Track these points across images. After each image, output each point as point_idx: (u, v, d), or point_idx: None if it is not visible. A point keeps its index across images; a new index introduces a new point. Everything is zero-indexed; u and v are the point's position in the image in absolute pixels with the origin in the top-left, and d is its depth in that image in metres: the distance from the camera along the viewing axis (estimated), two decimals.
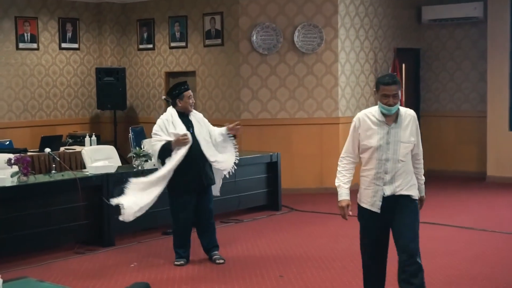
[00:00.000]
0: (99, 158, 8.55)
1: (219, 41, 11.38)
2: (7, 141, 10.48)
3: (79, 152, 9.31)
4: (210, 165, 7.01)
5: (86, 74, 12.65)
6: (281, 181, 9.70)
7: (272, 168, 9.64)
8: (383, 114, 4.89)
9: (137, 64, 12.72)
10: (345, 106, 11.09)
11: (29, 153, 9.42)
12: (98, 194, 7.70)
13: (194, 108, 7.20)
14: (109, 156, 8.87)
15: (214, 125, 7.27)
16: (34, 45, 11.87)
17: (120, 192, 7.06)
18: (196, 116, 7.06)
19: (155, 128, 6.90)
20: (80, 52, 12.54)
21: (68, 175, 7.77)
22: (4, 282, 3.63)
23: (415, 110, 5.22)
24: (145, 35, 12.51)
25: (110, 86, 12.10)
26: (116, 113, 12.32)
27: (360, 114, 5.02)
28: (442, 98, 12.71)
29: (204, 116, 7.32)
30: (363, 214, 5.01)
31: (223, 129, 7.11)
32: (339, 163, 5.11)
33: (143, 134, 11.42)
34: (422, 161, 5.15)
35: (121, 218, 6.79)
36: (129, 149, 10.39)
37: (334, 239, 7.96)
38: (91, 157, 8.60)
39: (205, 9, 11.54)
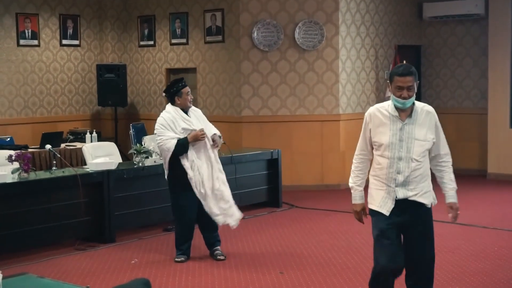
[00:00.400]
0: (100, 155, 8.56)
1: (220, 37, 11.37)
2: (8, 137, 10.49)
3: (80, 149, 9.32)
4: None
5: (87, 71, 12.65)
6: (281, 178, 9.70)
7: (273, 165, 9.64)
8: (397, 108, 4.53)
9: (138, 60, 12.71)
10: (345, 103, 11.08)
11: (30, 150, 9.42)
12: (99, 191, 7.71)
13: (194, 105, 7.21)
14: (110, 153, 8.87)
15: (214, 122, 7.26)
16: (35, 42, 11.87)
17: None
18: (195, 113, 7.06)
19: (159, 128, 6.86)
20: (81, 48, 12.54)
21: (69, 171, 7.77)
22: (4, 278, 3.63)
23: None
24: (146, 31, 12.50)
25: (111, 83, 12.10)
26: (117, 109, 12.32)
27: (372, 109, 4.67)
28: (443, 95, 12.70)
29: (205, 112, 7.34)
30: (375, 215, 4.63)
31: (211, 134, 7.05)
32: (353, 161, 4.78)
33: (144, 130, 11.42)
34: (450, 163, 4.70)
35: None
36: (130, 145, 10.39)
37: (335, 235, 7.96)
38: (92, 153, 8.60)
39: (206, 5, 11.53)
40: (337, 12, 10.90)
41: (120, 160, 8.91)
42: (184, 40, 11.94)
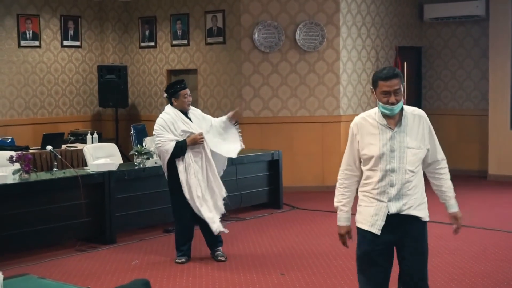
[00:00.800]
0: (101, 156, 8.56)
1: (220, 39, 11.37)
2: (9, 138, 10.49)
3: (81, 150, 9.33)
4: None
5: (88, 72, 12.65)
6: (282, 179, 9.70)
7: (274, 166, 9.65)
8: (385, 115, 4.11)
9: (139, 61, 12.72)
10: (346, 105, 11.09)
11: (31, 151, 9.43)
12: (100, 192, 7.71)
13: (194, 106, 7.23)
14: (111, 154, 8.88)
15: None
16: (36, 43, 11.88)
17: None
18: (195, 114, 7.06)
19: (158, 129, 6.86)
20: (82, 49, 12.54)
21: (70, 172, 7.78)
22: (5, 279, 3.64)
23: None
24: (147, 32, 12.51)
25: (112, 84, 12.11)
26: (118, 110, 12.33)
27: (357, 119, 4.22)
28: (443, 96, 12.70)
29: (206, 114, 7.33)
30: (363, 237, 4.21)
31: (223, 118, 7.14)
32: (338, 177, 4.33)
33: (144, 131, 11.43)
34: (447, 169, 4.30)
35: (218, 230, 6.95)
36: (131, 146, 10.40)
37: (335, 237, 7.89)
38: (93, 154, 8.61)
39: (207, 6, 11.54)
40: (338, 13, 10.90)
41: (121, 161, 8.91)
42: (185, 41, 11.95)
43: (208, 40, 11.58)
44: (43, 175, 7.74)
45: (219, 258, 7.02)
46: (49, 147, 8.23)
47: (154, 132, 6.94)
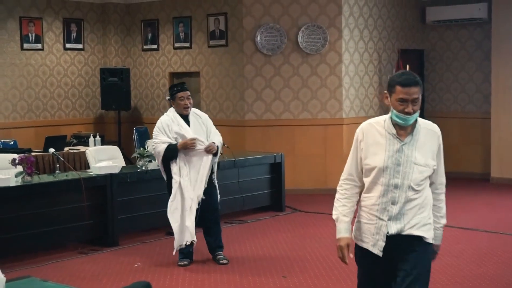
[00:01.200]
0: (103, 159, 8.57)
1: (223, 41, 11.39)
2: (12, 141, 10.51)
3: (83, 152, 9.34)
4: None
5: (90, 75, 12.67)
6: (284, 182, 9.70)
7: (276, 168, 9.64)
8: (395, 125, 3.76)
9: (142, 64, 12.73)
10: (349, 107, 11.09)
11: (33, 153, 9.43)
12: (102, 194, 7.72)
13: (198, 109, 7.21)
14: (113, 157, 8.88)
15: (217, 125, 7.23)
16: (39, 46, 11.90)
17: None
18: (197, 118, 6.99)
19: (155, 131, 6.91)
20: (84, 52, 12.56)
21: (72, 175, 7.79)
22: (7, 281, 3.64)
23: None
24: (150, 35, 12.52)
25: (115, 87, 12.12)
26: (120, 113, 12.34)
27: (365, 124, 3.87)
28: (446, 99, 12.70)
29: (209, 116, 7.29)
30: (363, 256, 3.89)
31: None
32: (338, 188, 3.97)
33: (147, 134, 11.43)
34: (443, 196, 3.95)
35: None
36: (133, 149, 10.40)
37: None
38: (95, 157, 8.62)
39: (209, 9, 11.55)
40: (340, 16, 10.91)
41: (124, 164, 8.92)
42: (187, 44, 11.96)
43: (210, 43, 11.59)
44: (46, 178, 7.75)
45: (221, 261, 7.02)
46: (51, 150, 8.24)
47: (153, 134, 6.99)
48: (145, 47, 12.63)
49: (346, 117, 11.01)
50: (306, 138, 11.00)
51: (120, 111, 12.29)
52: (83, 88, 12.61)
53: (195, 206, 6.81)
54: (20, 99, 11.71)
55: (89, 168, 8.50)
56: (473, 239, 7.87)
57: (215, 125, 7.22)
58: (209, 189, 6.94)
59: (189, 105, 6.90)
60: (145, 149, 8.35)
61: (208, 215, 6.97)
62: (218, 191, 7.14)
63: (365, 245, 3.84)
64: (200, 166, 6.82)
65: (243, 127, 11.05)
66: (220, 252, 7.10)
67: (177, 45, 12.12)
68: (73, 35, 12.37)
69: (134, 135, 11.25)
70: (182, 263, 6.96)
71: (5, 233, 6.97)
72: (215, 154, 6.92)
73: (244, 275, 6.63)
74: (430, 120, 4.01)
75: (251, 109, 11.05)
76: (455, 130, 12.48)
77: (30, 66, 11.82)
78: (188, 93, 6.94)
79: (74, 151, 10.08)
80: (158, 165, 7.12)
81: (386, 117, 3.82)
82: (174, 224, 6.85)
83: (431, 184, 3.86)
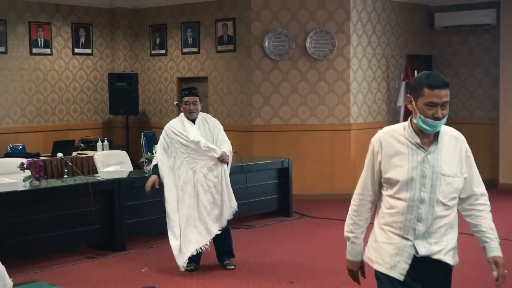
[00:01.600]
0: (111, 163, 8.58)
1: (231, 47, 11.40)
2: (20, 145, 10.55)
3: (91, 157, 9.35)
4: None
5: (98, 79, 12.70)
6: (292, 187, 9.69)
7: (284, 174, 9.64)
8: (419, 132, 3.37)
9: (150, 69, 12.76)
10: (357, 113, 11.08)
11: (41, 158, 9.47)
12: (110, 199, 7.73)
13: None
14: (121, 161, 8.90)
15: (225, 131, 7.21)
16: (48, 50, 11.94)
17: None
18: (205, 124, 6.98)
19: (160, 138, 7.00)
20: (93, 57, 12.60)
21: (80, 179, 7.81)
22: (15, 285, 3.65)
23: None
24: (158, 40, 12.55)
25: (123, 91, 12.15)
26: (129, 118, 12.36)
27: (381, 134, 3.47)
28: (454, 105, 12.67)
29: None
30: (380, 280, 3.51)
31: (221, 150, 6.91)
32: (352, 202, 3.62)
33: (155, 139, 11.44)
34: (488, 206, 3.70)
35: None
36: (141, 154, 10.42)
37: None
38: (103, 162, 8.63)
39: (217, 15, 11.57)
40: (348, 22, 10.91)
41: (131, 169, 8.93)
42: (195, 49, 11.98)
43: (218, 48, 11.60)
44: (54, 182, 7.76)
45: (228, 267, 7.00)
46: (59, 154, 8.26)
47: None
48: (153, 52, 12.66)
49: (354, 122, 10.99)
50: (313, 144, 10.99)
51: (128, 115, 12.32)
52: (92, 92, 12.65)
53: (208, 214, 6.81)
54: (28, 103, 11.75)
55: (97, 172, 8.52)
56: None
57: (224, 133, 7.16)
58: None
59: (194, 110, 6.88)
60: (152, 154, 8.35)
61: (219, 234, 6.96)
62: None
63: (381, 268, 3.45)
64: (221, 178, 6.82)
65: (251, 132, 11.06)
66: (227, 258, 7.07)
67: (185, 50, 12.14)
68: (82, 40, 12.41)
69: (142, 139, 11.26)
70: (189, 268, 6.94)
71: (13, 237, 6.98)
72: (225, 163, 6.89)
73: (251, 281, 6.62)
74: None
75: (259, 114, 11.06)
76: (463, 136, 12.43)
77: (39, 70, 11.86)
78: (195, 98, 6.92)
79: (82, 155, 10.10)
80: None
81: (405, 124, 3.45)
82: (174, 242, 6.83)
83: (469, 197, 3.57)
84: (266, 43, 10.93)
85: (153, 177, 6.88)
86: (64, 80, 12.23)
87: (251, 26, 11.04)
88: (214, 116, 9.52)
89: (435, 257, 3.41)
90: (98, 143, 10.54)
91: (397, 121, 11.55)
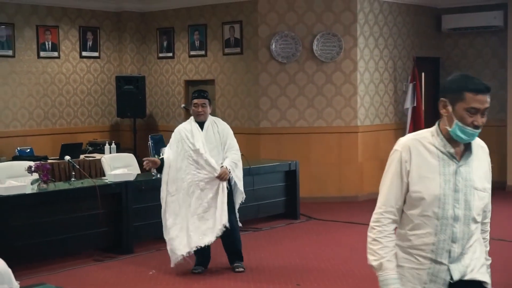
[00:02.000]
0: (119, 166, 8.61)
1: (238, 49, 11.41)
2: (28, 148, 10.57)
3: (99, 160, 9.38)
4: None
5: (106, 82, 12.73)
6: (299, 190, 9.69)
7: (291, 176, 9.64)
8: (451, 141, 3.01)
9: (157, 72, 12.78)
10: (364, 115, 11.07)
11: (49, 161, 9.49)
12: (117, 202, 7.75)
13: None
14: (128, 164, 8.91)
15: (233, 133, 7.19)
16: (55, 54, 11.97)
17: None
18: (213, 127, 6.98)
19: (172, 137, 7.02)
20: (100, 60, 12.63)
21: (88, 182, 7.82)
22: None
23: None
24: (165, 43, 12.57)
25: (130, 94, 12.17)
26: (136, 121, 12.38)
27: (409, 140, 3.06)
28: None
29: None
30: None
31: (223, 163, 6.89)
32: (373, 224, 3.11)
33: (162, 142, 11.44)
34: (489, 225, 3.42)
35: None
36: (148, 157, 10.42)
37: (353, 248, 7.93)
38: (111, 164, 8.65)
39: (224, 17, 11.58)
40: (355, 24, 10.90)
41: (139, 172, 8.94)
42: (202, 52, 11.99)
43: (225, 51, 11.62)
44: (61, 185, 7.78)
45: (237, 269, 7.00)
46: (67, 157, 8.28)
47: None
48: (160, 55, 12.68)
49: (361, 125, 10.99)
50: (321, 146, 10.99)
51: (135, 118, 12.34)
52: (99, 96, 12.67)
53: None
54: (36, 107, 11.78)
55: (104, 175, 8.54)
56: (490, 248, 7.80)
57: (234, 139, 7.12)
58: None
59: (202, 112, 6.90)
60: (160, 156, 8.36)
61: (228, 238, 6.98)
62: (238, 218, 7.12)
63: None
64: (217, 194, 6.78)
65: (258, 135, 11.06)
66: (236, 260, 7.08)
67: (192, 53, 12.16)
68: (89, 43, 12.44)
69: (149, 142, 11.26)
70: (197, 271, 6.96)
71: (20, 240, 7.00)
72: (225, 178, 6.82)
73: (258, 283, 6.62)
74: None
75: (266, 117, 11.06)
76: None
77: (47, 74, 11.90)
78: (204, 100, 6.93)
79: (90, 158, 10.13)
80: None
81: (432, 131, 3.07)
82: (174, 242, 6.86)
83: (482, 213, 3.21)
84: (273, 46, 10.94)
85: (157, 160, 6.87)
86: (72, 83, 12.26)
87: (258, 29, 11.05)
88: (221, 119, 9.53)
89: (468, 277, 3.05)
90: (105, 146, 10.57)
91: (404, 124, 11.55)
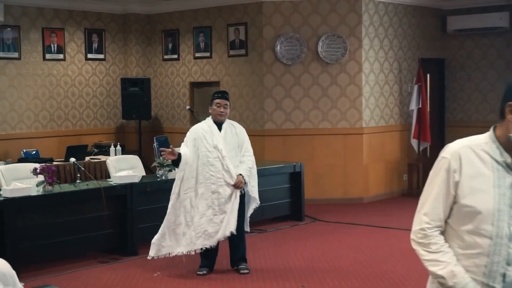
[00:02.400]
0: (124, 168, 8.62)
1: (243, 51, 11.42)
2: (34, 150, 10.60)
3: (104, 162, 9.39)
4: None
5: (111, 85, 12.76)
6: (304, 191, 9.69)
7: (296, 178, 9.64)
8: (507, 150, 2.68)
9: (162, 74, 12.80)
10: (369, 117, 11.06)
11: (54, 163, 9.51)
12: (122, 204, 7.76)
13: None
14: (134, 166, 8.93)
15: None
16: (61, 56, 12.01)
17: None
18: (231, 129, 7.01)
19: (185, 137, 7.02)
20: (105, 62, 12.66)
21: (93, 184, 7.84)
22: None
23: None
24: (170, 45, 12.59)
25: (135, 96, 12.19)
26: (141, 123, 12.40)
27: (460, 147, 2.71)
28: (467, 108, 12.62)
29: None
30: None
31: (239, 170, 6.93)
32: (422, 240, 2.71)
33: (167, 143, 11.44)
34: None
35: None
36: (154, 159, 10.43)
37: (357, 250, 7.93)
38: (116, 166, 8.67)
39: (229, 19, 11.60)
40: (360, 26, 10.90)
41: (144, 173, 8.96)
42: (207, 54, 12.00)
43: (230, 53, 11.63)
44: (67, 187, 7.80)
45: (242, 271, 7.00)
46: (72, 159, 8.30)
47: None
48: (165, 57, 12.70)
49: (366, 126, 10.98)
50: (325, 148, 10.99)
51: (140, 120, 12.36)
52: (104, 98, 12.70)
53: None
54: (42, 109, 11.81)
55: (109, 177, 8.55)
56: None
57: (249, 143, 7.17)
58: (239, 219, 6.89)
59: (224, 113, 6.96)
60: (165, 158, 8.38)
61: (232, 242, 6.98)
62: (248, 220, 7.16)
63: None
64: (231, 203, 6.80)
65: (263, 136, 11.06)
66: (241, 262, 7.08)
67: (197, 54, 12.17)
68: (95, 45, 12.47)
69: (155, 144, 11.28)
70: (201, 273, 6.97)
71: (25, 242, 7.02)
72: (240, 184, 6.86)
73: (263, 284, 6.62)
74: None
75: (271, 119, 11.06)
76: None
77: (52, 76, 11.93)
78: (226, 102, 7.02)
79: (95, 160, 10.14)
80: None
81: (486, 137, 2.74)
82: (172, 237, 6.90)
83: None
84: (278, 48, 10.95)
85: (176, 152, 6.83)
86: (77, 86, 12.29)
87: (263, 31, 11.06)
88: None
89: None
90: (110, 148, 10.59)
91: (409, 125, 11.53)
